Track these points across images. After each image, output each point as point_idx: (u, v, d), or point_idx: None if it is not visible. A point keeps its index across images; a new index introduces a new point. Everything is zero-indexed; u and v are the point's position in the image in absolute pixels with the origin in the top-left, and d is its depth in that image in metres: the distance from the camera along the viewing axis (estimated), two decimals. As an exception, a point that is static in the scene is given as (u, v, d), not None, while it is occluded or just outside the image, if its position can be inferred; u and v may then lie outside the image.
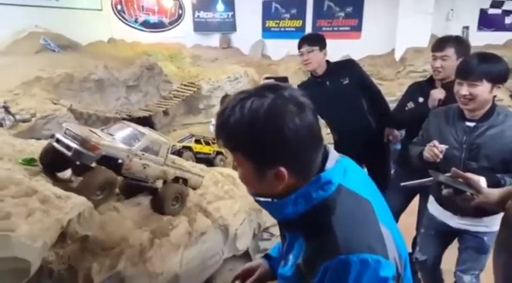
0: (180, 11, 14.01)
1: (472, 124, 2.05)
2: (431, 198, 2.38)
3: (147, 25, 13.49)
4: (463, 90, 1.96)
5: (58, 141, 1.68)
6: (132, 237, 1.62)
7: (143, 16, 13.44)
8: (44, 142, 2.57)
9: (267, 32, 13.81)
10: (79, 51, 11.42)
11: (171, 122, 10.09)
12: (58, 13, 10.98)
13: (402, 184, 1.82)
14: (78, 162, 1.65)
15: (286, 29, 13.76)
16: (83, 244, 1.43)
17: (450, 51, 2.58)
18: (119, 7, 13.01)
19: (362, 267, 0.91)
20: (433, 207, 2.37)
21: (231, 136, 0.97)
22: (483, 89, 1.92)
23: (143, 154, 1.79)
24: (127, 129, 1.85)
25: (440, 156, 2.01)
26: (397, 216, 2.77)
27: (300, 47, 3.17)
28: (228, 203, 2.33)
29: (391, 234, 1.01)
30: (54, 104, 7.88)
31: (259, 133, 0.93)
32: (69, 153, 1.61)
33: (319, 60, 3.12)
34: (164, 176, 1.98)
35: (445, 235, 2.37)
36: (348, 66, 3.28)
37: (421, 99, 2.62)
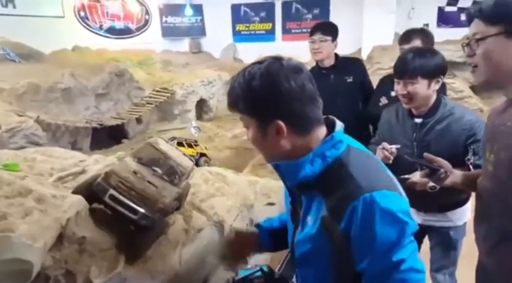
0: (147, 17, 13.84)
1: (419, 120, 2.07)
2: None
3: (113, 32, 13.23)
4: (401, 89, 1.98)
5: (114, 199, 1.40)
6: (130, 237, 1.55)
7: (108, 22, 13.18)
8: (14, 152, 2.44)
9: (237, 35, 13.90)
10: (42, 60, 11.07)
11: (146, 129, 9.91)
12: (17, 21, 10.59)
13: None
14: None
15: (257, 32, 13.91)
16: (80, 247, 1.35)
17: (417, 42, 2.65)
18: (82, 14, 12.70)
19: (386, 201, 1.00)
20: None
21: (236, 98, 1.11)
22: (420, 86, 1.93)
23: (181, 188, 1.65)
24: (163, 160, 1.59)
25: (391, 157, 2.01)
26: None
27: (312, 33, 3.04)
28: (221, 200, 2.30)
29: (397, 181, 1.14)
30: (19, 115, 7.56)
31: (257, 89, 1.06)
32: (134, 217, 1.41)
33: (329, 51, 3.09)
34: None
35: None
36: (355, 64, 3.27)
37: (393, 93, 2.60)
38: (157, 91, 10.04)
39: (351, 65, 3.19)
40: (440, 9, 12.29)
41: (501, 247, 1.41)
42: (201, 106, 11.19)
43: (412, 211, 2.22)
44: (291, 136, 1.09)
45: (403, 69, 1.94)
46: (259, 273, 1.23)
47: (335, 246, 1.06)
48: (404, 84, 1.94)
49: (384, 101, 2.77)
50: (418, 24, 11.14)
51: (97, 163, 2.35)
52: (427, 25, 11.93)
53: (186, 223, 1.88)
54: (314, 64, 3.23)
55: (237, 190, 2.56)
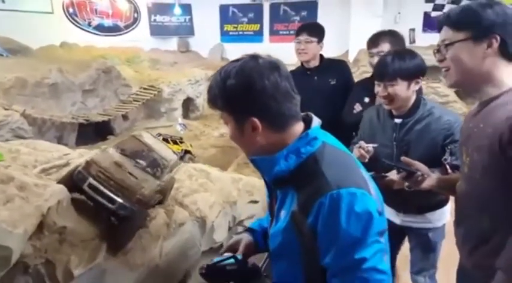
0: (136, 15, 13.75)
1: (399, 121, 2.09)
2: None
3: (101, 29, 13.10)
4: (381, 91, 2.01)
5: (93, 188, 1.42)
6: (111, 229, 1.57)
7: (97, 19, 13.05)
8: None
9: (225, 35, 13.88)
10: (30, 55, 10.90)
11: (132, 126, 9.84)
12: (5, 16, 10.41)
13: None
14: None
15: (245, 32, 13.91)
16: (61, 236, 1.37)
17: (385, 46, 2.61)
18: (70, 10, 12.55)
19: (352, 198, 1.02)
20: None
21: (214, 96, 1.14)
22: (400, 88, 1.97)
23: (163, 181, 1.66)
24: (146, 153, 1.61)
25: (367, 156, 2.04)
26: None
27: (298, 34, 3.00)
28: (204, 196, 2.32)
29: (370, 180, 1.15)
30: (6, 109, 7.46)
31: (231, 87, 1.09)
32: (112, 206, 1.43)
33: (315, 52, 3.05)
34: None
35: (392, 234, 2.40)
36: (340, 67, 3.21)
37: (366, 99, 2.58)
38: (145, 88, 9.98)
39: (336, 67, 3.16)
40: (426, 14, 12.49)
41: (480, 249, 1.45)
42: (188, 105, 11.16)
43: (391, 212, 2.25)
44: (266, 132, 1.11)
45: (383, 72, 1.98)
46: (231, 261, 1.26)
47: (303, 240, 1.08)
48: (385, 86, 1.98)
49: (358, 108, 2.70)
50: (404, 29, 11.35)
51: (81, 157, 2.35)
52: (413, 30, 12.13)
53: (168, 217, 1.90)
54: (299, 64, 3.25)
55: (220, 187, 2.59)
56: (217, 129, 9.54)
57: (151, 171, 1.61)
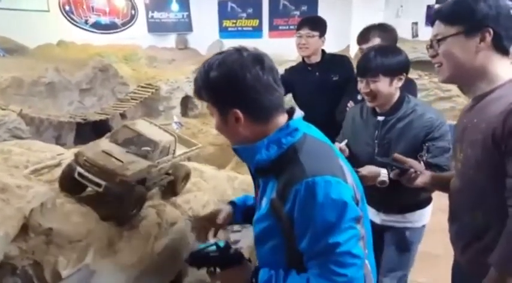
0: (133, 12, 13.67)
1: (381, 118, 2.06)
2: None
3: (98, 26, 13.03)
4: (363, 87, 2.00)
5: (81, 175, 1.56)
6: (99, 229, 1.56)
7: (94, 17, 12.97)
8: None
9: (224, 31, 13.80)
10: (27, 54, 10.88)
11: (130, 125, 9.79)
12: (1, 15, 10.36)
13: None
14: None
15: (244, 28, 13.82)
16: (47, 238, 1.35)
17: (376, 41, 2.56)
18: (67, 8, 12.48)
19: (326, 186, 1.06)
20: None
21: (198, 87, 1.19)
22: (382, 84, 1.95)
23: (158, 162, 1.72)
24: (137, 138, 1.71)
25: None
26: None
27: (299, 28, 2.93)
28: (197, 195, 2.31)
29: (349, 170, 1.20)
30: (3, 109, 7.45)
31: (214, 80, 1.13)
32: (100, 190, 1.55)
33: (316, 47, 2.98)
34: (172, 167, 1.98)
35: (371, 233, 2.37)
36: (342, 62, 3.13)
37: (359, 97, 2.52)
38: (142, 87, 9.95)
39: (338, 63, 3.08)
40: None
41: (473, 245, 1.44)
42: (187, 103, 11.13)
43: (372, 211, 2.22)
44: (248, 124, 1.16)
45: (365, 68, 1.97)
46: (213, 248, 1.31)
47: (282, 226, 1.13)
48: (367, 82, 1.96)
49: (350, 105, 2.67)
50: (407, 23, 11.25)
51: (74, 157, 2.33)
52: (415, 23, 12.04)
53: (159, 217, 1.89)
54: (300, 60, 3.14)
55: (214, 186, 2.57)
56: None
57: (141, 154, 1.69)
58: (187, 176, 2.17)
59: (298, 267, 1.15)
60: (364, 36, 2.61)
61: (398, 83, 1.97)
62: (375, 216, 2.22)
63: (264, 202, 1.21)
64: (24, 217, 1.22)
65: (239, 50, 1.15)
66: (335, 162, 1.17)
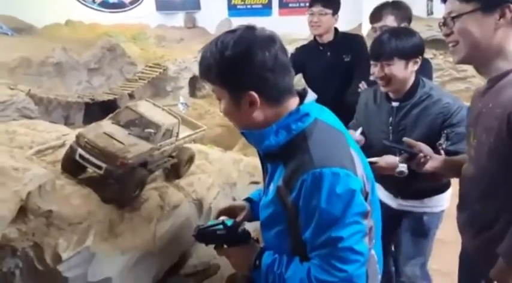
0: (141, -10, 13.48)
1: (396, 104, 1.98)
2: (378, 185, 2.33)
3: (106, 5, 12.92)
4: (378, 72, 1.91)
5: (82, 157, 1.56)
6: (100, 212, 1.55)
7: (102, -4, 12.86)
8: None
9: (233, 10, 13.53)
10: (35, 34, 10.88)
11: (138, 105, 9.78)
12: (10, -6, 10.32)
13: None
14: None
15: (253, 6, 13.53)
16: (47, 220, 1.35)
17: (389, 20, 2.44)
18: (75, -14, 12.36)
19: (334, 179, 1.02)
20: (379, 191, 2.33)
21: (208, 67, 1.09)
22: (396, 68, 1.87)
23: (160, 145, 1.71)
24: (139, 120, 1.70)
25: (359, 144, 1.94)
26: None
27: (312, 5, 2.80)
28: (201, 177, 2.28)
29: (360, 160, 1.15)
30: (11, 89, 7.47)
31: (230, 59, 1.04)
32: (100, 172, 1.55)
33: (329, 25, 2.84)
34: (176, 149, 1.96)
35: (388, 218, 2.30)
36: (355, 41, 2.97)
37: (372, 77, 2.48)
38: (150, 67, 9.88)
39: (351, 43, 2.93)
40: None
41: (483, 234, 1.40)
42: (194, 83, 11.06)
43: (388, 195, 2.17)
44: (263, 107, 1.10)
45: (379, 51, 1.88)
46: (220, 227, 1.30)
47: (288, 214, 1.11)
48: (381, 66, 1.88)
49: (363, 86, 2.57)
50: (422, 0, 10.91)
51: (79, 138, 2.32)
52: (431, 0, 11.67)
53: (161, 200, 1.87)
54: (312, 39, 3.01)
55: (219, 168, 2.55)
56: (223, 108, 9.45)
57: (143, 136, 1.68)
58: (191, 159, 2.14)
59: (302, 255, 1.14)
60: (376, 14, 2.50)
61: (414, 67, 1.89)
62: (391, 200, 2.18)
63: (271, 188, 1.18)
64: (21, 200, 1.21)
65: (252, 28, 1.09)
66: (345, 152, 1.11)
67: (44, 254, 1.36)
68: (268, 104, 1.10)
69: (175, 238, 1.88)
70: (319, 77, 2.87)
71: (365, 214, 1.08)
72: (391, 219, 2.14)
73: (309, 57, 2.98)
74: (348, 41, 2.96)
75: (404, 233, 2.20)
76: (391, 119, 1.99)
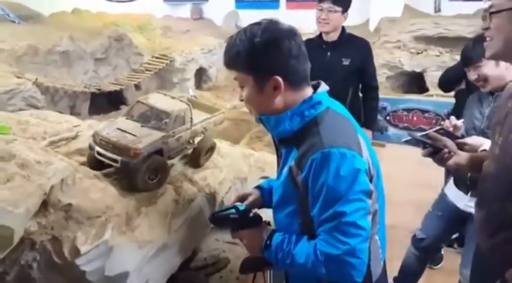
0: (149, -20, 13.35)
1: (494, 95, 2.10)
2: (450, 182, 2.33)
3: (113, -6, 12.82)
4: (471, 75, 2.06)
5: (100, 154, 1.64)
6: (118, 205, 1.55)
7: (109, -15, 12.76)
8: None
9: (240, 2, 13.38)
10: (42, 22, 10.82)
11: (144, 96, 9.76)
12: (16, -19, 10.25)
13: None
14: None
15: (260, -2, 13.37)
16: (66, 213, 1.34)
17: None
18: (82, -25, 12.25)
19: (341, 158, 1.11)
20: (449, 189, 2.32)
21: (236, 55, 1.18)
22: (487, 68, 2.00)
23: (174, 132, 1.77)
24: (150, 111, 1.79)
25: (451, 129, 1.95)
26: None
27: (321, 0, 2.74)
28: (213, 172, 2.28)
29: (366, 145, 1.24)
30: (18, 77, 7.45)
31: (259, 45, 1.14)
32: (117, 165, 1.62)
33: (337, 23, 2.75)
34: (195, 135, 2.02)
35: (451, 218, 2.30)
36: (358, 45, 2.89)
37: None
38: (157, 57, 9.80)
39: (354, 46, 2.86)
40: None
41: (500, 234, 1.39)
42: (201, 75, 11.00)
43: (457, 194, 2.19)
44: (285, 92, 1.19)
45: (468, 57, 2.05)
46: (233, 211, 1.41)
47: (298, 194, 1.21)
48: (474, 69, 2.02)
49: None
50: (430, -3, 10.77)
51: (90, 129, 2.32)
52: (439, -2, 11.54)
53: (177, 194, 1.87)
54: (318, 33, 2.94)
55: (230, 163, 2.54)
56: (229, 101, 9.41)
57: (156, 126, 1.75)
58: (212, 149, 2.20)
59: (310, 235, 1.22)
60: None
61: (507, 64, 1.95)
62: (460, 200, 2.19)
63: (285, 170, 1.26)
64: (45, 194, 1.20)
65: (275, 21, 1.20)
66: (353, 137, 1.21)
67: (62, 247, 1.36)
68: (290, 89, 1.20)
69: (190, 232, 1.89)
70: (313, 75, 2.85)
71: (369, 194, 1.17)
72: (454, 220, 2.27)
73: (310, 52, 2.94)
74: (351, 43, 2.87)
75: (469, 240, 2.19)
76: (488, 109, 2.09)
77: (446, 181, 2.64)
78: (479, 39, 1.93)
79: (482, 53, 1.87)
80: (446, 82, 3.12)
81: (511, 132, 1.30)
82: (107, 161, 1.65)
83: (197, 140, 2.11)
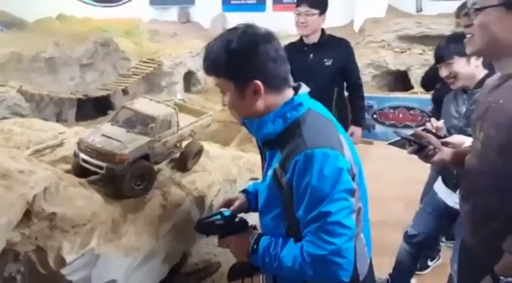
0: (134, -16, 13.27)
1: (468, 93, 2.14)
2: (439, 179, 2.36)
3: (98, -1, 12.71)
4: (442, 72, 2.11)
5: (85, 161, 1.62)
6: (104, 213, 1.53)
7: (94, -10, 12.66)
8: None
9: (227, 5, 13.38)
10: (26, 29, 10.67)
11: (132, 101, 9.70)
12: (-1, -13, 10.10)
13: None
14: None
15: (247, 1, 13.39)
16: (50, 223, 1.32)
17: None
18: (66, -20, 12.14)
19: (324, 158, 1.12)
20: (439, 185, 2.35)
21: (213, 61, 1.19)
22: (458, 65, 2.03)
23: (160, 137, 1.75)
24: (135, 117, 1.77)
25: (433, 130, 1.97)
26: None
27: (298, 4, 2.77)
28: (202, 175, 2.27)
29: (348, 145, 1.24)
30: (2, 85, 7.35)
31: (235, 51, 1.14)
32: (103, 172, 1.61)
33: (316, 26, 2.78)
34: (182, 139, 2.00)
35: (440, 214, 2.33)
36: (339, 46, 2.93)
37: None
38: (144, 62, 9.75)
39: (335, 47, 2.89)
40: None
41: (485, 227, 1.39)
42: (189, 78, 10.96)
43: (446, 191, 2.21)
44: (266, 95, 1.19)
45: (440, 54, 2.08)
46: (218, 217, 1.39)
47: (283, 196, 1.21)
48: (445, 66, 2.06)
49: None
50: (412, -4, 10.90)
51: (76, 136, 2.29)
52: (421, -2, 11.70)
53: (164, 199, 1.85)
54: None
55: (219, 165, 2.53)
56: (218, 104, 9.38)
57: (142, 131, 1.73)
58: (199, 152, 2.18)
59: (296, 237, 1.22)
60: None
61: (476, 62, 2.01)
62: (449, 196, 2.21)
63: (269, 173, 1.27)
64: (27, 203, 1.18)
65: (251, 25, 1.20)
66: (335, 136, 1.22)
67: (47, 258, 1.33)
68: (270, 92, 1.19)
69: (179, 237, 1.87)
70: (298, 77, 2.87)
71: (352, 192, 1.17)
72: (444, 217, 2.29)
73: (293, 55, 2.98)
74: (332, 44, 2.91)
75: (460, 234, 2.21)
76: (464, 107, 2.13)
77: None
78: (453, 38, 2.03)
79: (454, 50, 1.97)
80: (428, 81, 3.18)
81: (492, 128, 1.31)
82: (92, 168, 1.63)
83: (184, 143, 2.09)
